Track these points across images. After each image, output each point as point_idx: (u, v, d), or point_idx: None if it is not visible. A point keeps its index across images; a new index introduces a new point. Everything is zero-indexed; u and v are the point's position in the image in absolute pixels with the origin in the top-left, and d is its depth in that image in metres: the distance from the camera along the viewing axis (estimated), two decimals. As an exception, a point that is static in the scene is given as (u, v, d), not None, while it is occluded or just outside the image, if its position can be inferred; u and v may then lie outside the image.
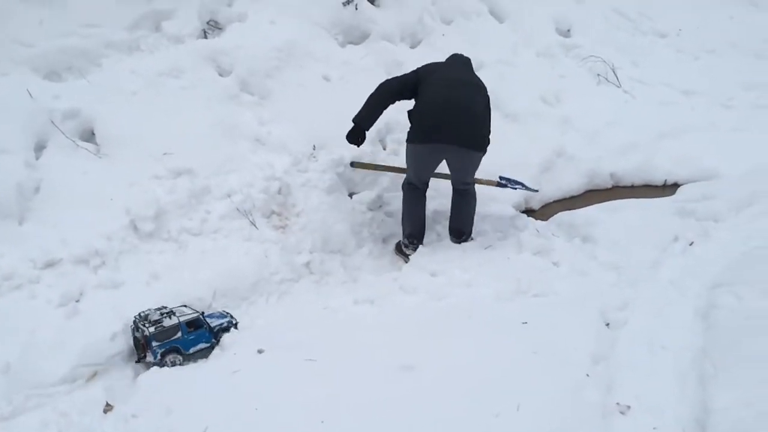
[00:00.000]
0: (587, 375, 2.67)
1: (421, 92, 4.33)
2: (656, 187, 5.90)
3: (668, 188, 5.88)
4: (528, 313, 3.13)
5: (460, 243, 4.35)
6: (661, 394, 2.67)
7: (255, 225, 4.17)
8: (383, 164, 4.77)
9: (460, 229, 4.44)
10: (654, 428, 2.48)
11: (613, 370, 2.82)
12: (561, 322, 3.06)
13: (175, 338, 3.26)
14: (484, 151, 4.25)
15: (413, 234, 4.37)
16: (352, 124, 4.35)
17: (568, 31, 7.23)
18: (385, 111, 4.49)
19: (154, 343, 3.20)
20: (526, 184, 4.92)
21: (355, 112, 4.37)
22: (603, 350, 2.90)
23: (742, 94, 7.11)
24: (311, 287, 4.04)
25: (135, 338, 3.30)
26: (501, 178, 4.82)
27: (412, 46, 6.01)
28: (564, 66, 6.75)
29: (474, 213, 4.48)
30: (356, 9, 5.67)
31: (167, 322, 3.26)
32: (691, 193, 4.52)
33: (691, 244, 3.98)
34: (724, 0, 10.10)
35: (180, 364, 3.26)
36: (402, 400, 2.55)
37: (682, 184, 5.86)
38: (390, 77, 4.57)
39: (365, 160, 4.84)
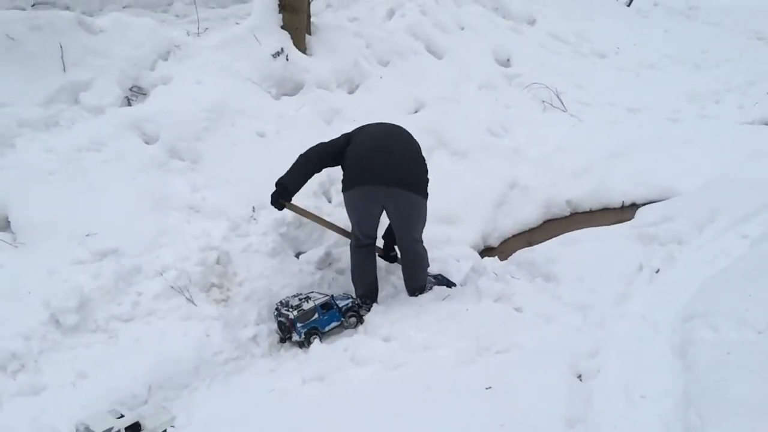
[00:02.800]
0: (562, 445, 2.35)
1: (351, 144, 4.05)
2: (615, 209, 5.72)
3: (627, 209, 5.70)
4: (491, 375, 2.81)
5: (416, 296, 4.04)
6: (647, 456, 2.36)
7: (193, 302, 3.79)
8: (318, 216, 4.28)
9: (414, 288, 4.12)
10: (643, 502, 2.16)
11: (592, 433, 2.50)
12: (528, 382, 2.74)
13: (314, 319, 3.72)
14: (425, 196, 3.88)
15: (365, 294, 4.05)
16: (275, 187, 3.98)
17: (508, 60, 7.09)
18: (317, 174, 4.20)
19: (298, 324, 3.66)
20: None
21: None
22: (577, 410, 2.59)
23: (687, 105, 7.05)
24: (259, 364, 3.65)
25: (279, 322, 3.77)
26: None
27: (350, 92, 5.77)
28: (508, 96, 6.58)
29: (426, 269, 4.16)
30: (287, 60, 5.41)
31: (306, 306, 3.74)
32: (650, 215, 4.29)
33: (657, 272, 3.73)
34: (657, 15, 10.22)
35: (319, 341, 3.68)
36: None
37: (640, 204, 5.70)
38: (322, 141, 4.21)
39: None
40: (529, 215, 5.48)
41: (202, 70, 5.12)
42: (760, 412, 2.32)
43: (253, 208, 4.43)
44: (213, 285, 3.97)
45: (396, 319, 3.54)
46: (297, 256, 4.42)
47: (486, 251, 5.09)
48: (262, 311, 3.92)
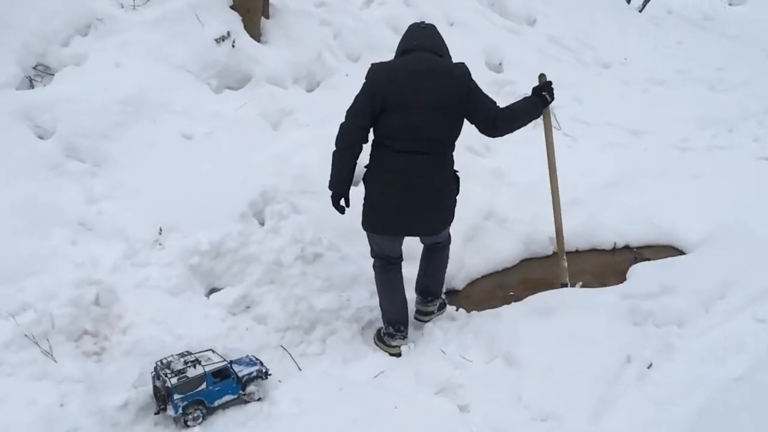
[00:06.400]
0: None
1: (376, 144, 3.22)
2: (605, 251, 4.84)
3: (619, 253, 4.83)
4: None
5: (428, 310, 3.58)
6: None
7: (51, 355, 2.89)
8: None
9: (427, 287, 3.60)
10: None
11: None
12: None
13: (200, 390, 2.87)
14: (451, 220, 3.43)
15: (398, 320, 3.42)
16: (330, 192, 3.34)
17: (500, 64, 6.13)
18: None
19: (176, 396, 2.80)
20: None
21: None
22: None
23: (698, 132, 6.11)
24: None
25: (155, 387, 2.90)
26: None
27: (309, 90, 4.81)
28: (495, 106, 5.64)
29: (446, 267, 3.68)
30: (233, 46, 4.46)
31: (191, 372, 2.87)
32: (645, 282, 3.38)
33: (649, 367, 2.84)
34: (671, 24, 9.26)
35: (202, 419, 2.89)
36: None
37: (634, 247, 4.84)
38: (346, 119, 3.21)
39: (231, 245, 3.62)
40: (504, 252, 4.57)
41: (125, 50, 4.18)
42: None
43: (160, 229, 3.53)
44: (86, 332, 3.06)
45: (304, 409, 2.64)
46: (210, 293, 3.52)
47: (447, 295, 4.20)
48: (147, 370, 3.02)
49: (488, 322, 3.19)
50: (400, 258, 3.51)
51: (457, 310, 3.88)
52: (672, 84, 7.04)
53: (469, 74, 3.17)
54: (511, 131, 3.32)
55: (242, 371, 2.99)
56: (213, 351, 3.08)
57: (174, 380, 2.80)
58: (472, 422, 2.56)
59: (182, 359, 2.94)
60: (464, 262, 4.35)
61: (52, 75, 4.02)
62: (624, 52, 7.42)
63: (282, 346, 3.38)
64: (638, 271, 3.57)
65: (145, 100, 3.99)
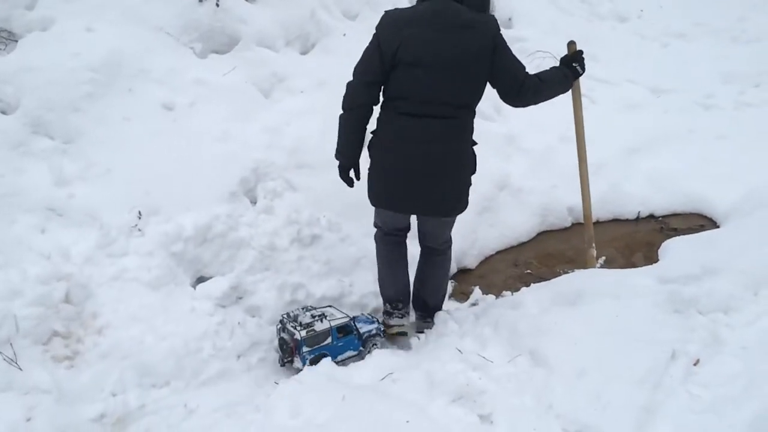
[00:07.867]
0: None
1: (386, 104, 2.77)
2: (628, 221, 4.44)
3: (642, 222, 4.43)
4: None
5: (425, 323, 3.14)
6: None
7: (16, 363, 2.52)
8: None
9: (425, 301, 3.17)
10: None
11: None
12: None
13: (325, 344, 2.87)
14: (462, 210, 2.95)
15: (397, 296, 3.14)
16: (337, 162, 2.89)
17: (510, 20, 5.62)
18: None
19: (304, 349, 2.80)
20: None
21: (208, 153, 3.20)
22: None
23: (723, 88, 5.62)
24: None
25: (281, 339, 2.90)
26: None
27: (303, 52, 4.34)
28: (505, 65, 5.14)
29: (447, 280, 3.29)
30: (217, 5, 3.97)
31: (319, 326, 2.87)
32: (683, 262, 2.94)
33: (696, 364, 2.44)
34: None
35: None
36: None
37: (658, 216, 4.44)
38: (354, 76, 2.74)
39: (219, 228, 3.21)
40: (519, 226, 4.19)
41: (97, 12, 3.70)
42: None
43: (139, 213, 3.12)
44: (55, 334, 2.68)
45: (304, 423, 2.25)
46: (197, 283, 3.13)
47: (460, 274, 3.82)
48: (127, 376, 2.65)
49: (508, 311, 2.78)
50: (405, 229, 3.13)
51: (472, 290, 3.55)
52: (691, 37, 6.50)
53: (498, 29, 2.68)
54: (535, 103, 2.87)
55: (362, 328, 2.97)
56: (333, 306, 3.07)
57: (303, 333, 2.78)
58: (496, 436, 2.18)
59: (308, 312, 2.93)
60: (477, 237, 3.96)
61: (16, 42, 3.56)
62: (640, 3, 6.86)
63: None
64: (673, 249, 3.15)
65: (119, 68, 3.53)
